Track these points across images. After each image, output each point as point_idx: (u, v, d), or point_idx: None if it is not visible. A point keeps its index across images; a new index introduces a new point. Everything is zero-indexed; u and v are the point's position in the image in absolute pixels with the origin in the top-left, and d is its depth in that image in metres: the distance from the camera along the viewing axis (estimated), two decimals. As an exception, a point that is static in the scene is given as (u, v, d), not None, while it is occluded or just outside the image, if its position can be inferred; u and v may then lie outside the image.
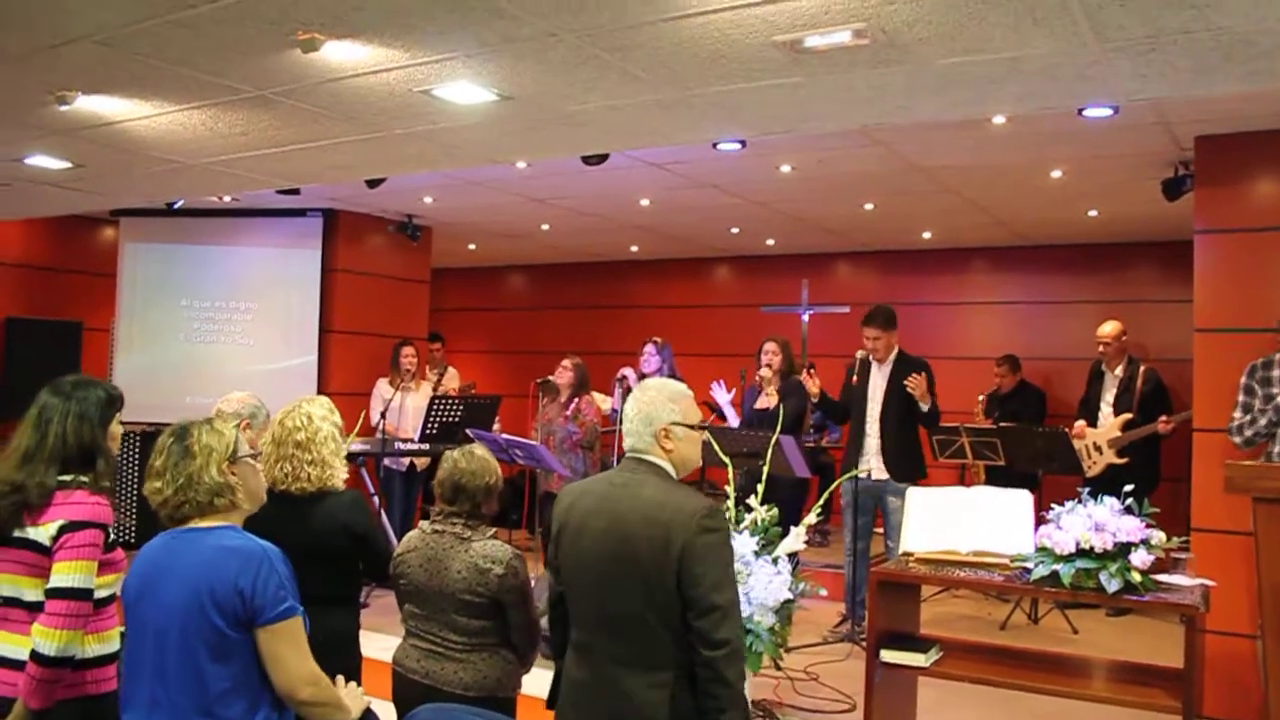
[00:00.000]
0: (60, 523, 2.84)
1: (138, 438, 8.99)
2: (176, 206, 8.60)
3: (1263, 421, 4.91)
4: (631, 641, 2.71)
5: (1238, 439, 5.01)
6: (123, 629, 3.25)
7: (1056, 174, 6.91)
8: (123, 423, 3.24)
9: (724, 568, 2.72)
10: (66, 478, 2.93)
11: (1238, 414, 5.05)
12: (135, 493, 8.89)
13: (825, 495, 4.92)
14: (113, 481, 3.04)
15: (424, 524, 3.54)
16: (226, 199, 8.49)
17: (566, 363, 7.63)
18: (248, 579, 2.48)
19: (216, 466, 2.61)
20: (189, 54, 4.17)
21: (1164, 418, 7.13)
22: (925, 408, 6.39)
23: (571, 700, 2.86)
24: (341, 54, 4.10)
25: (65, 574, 2.80)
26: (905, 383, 6.36)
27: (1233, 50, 3.71)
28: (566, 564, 2.88)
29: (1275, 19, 3.39)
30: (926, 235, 9.73)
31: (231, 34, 3.91)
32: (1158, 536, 3.73)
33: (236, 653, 2.48)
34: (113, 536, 2.97)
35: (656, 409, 2.85)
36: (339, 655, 3.15)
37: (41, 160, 6.21)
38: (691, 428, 2.89)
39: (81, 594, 2.81)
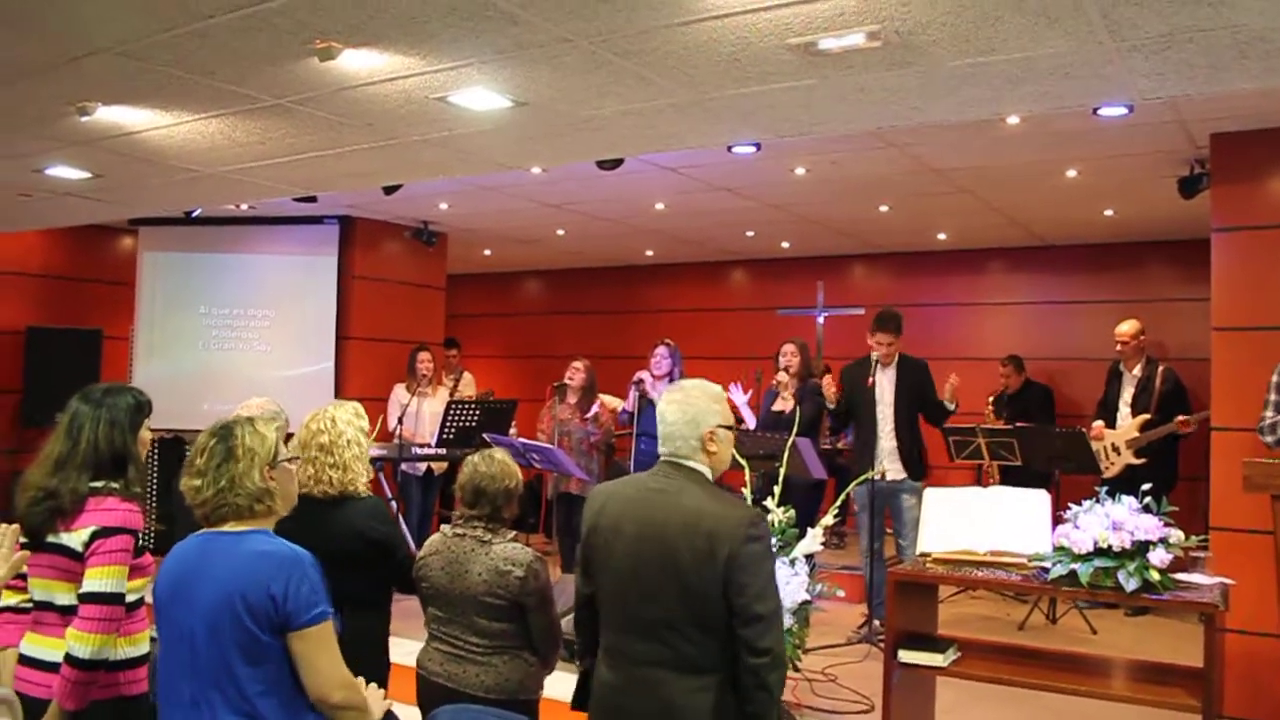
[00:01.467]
0: (93, 528, 2.88)
1: (156, 445, 9.05)
2: (194, 215, 8.66)
3: (1271, 439, 4.83)
4: (671, 646, 2.70)
5: (1269, 438, 4.89)
6: (153, 631, 3.30)
7: (1072, 174, 6.90)
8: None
9: (768, 577, 2.74)
10: (98, 484, 2.96)
11: (1269, 413, 4.91)
12: (155, 498, 8.97)
13: (842, 497, 4.93)
14: (144, 487, 3.08)
15: (445, 527, 3.56)
16: (244, 207, 8.55)
17: (578, 364, 7.68)
18: (280, 584, 2.48)
19: (259, 471, 2.62)
20: (207, 64, 4.21)
21: (1182, 417, 7.10)
22: (953, 408, 6.49)
23: (606, 704, 2.84)
24: (358, 62, 4.13)
25: (98, 579, 2.83)
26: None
27: (1249, 47, 3.70)
28: (599, 568, 2.86)
29: (1290, 16, 3.39)
30: (941, 236, 9.72)
31: (249, 44, 3.95)
32: (1176, 535, 3.72)
33: (269, 656, 2.49)
34: (141, 542, 3.00)
35: (702, 412, 2.83)
36: (363, 658, 3.18)
37: (62, 170, 6.28)
38: (729, 429, 2.89)
39: (114, 598, 2.84)
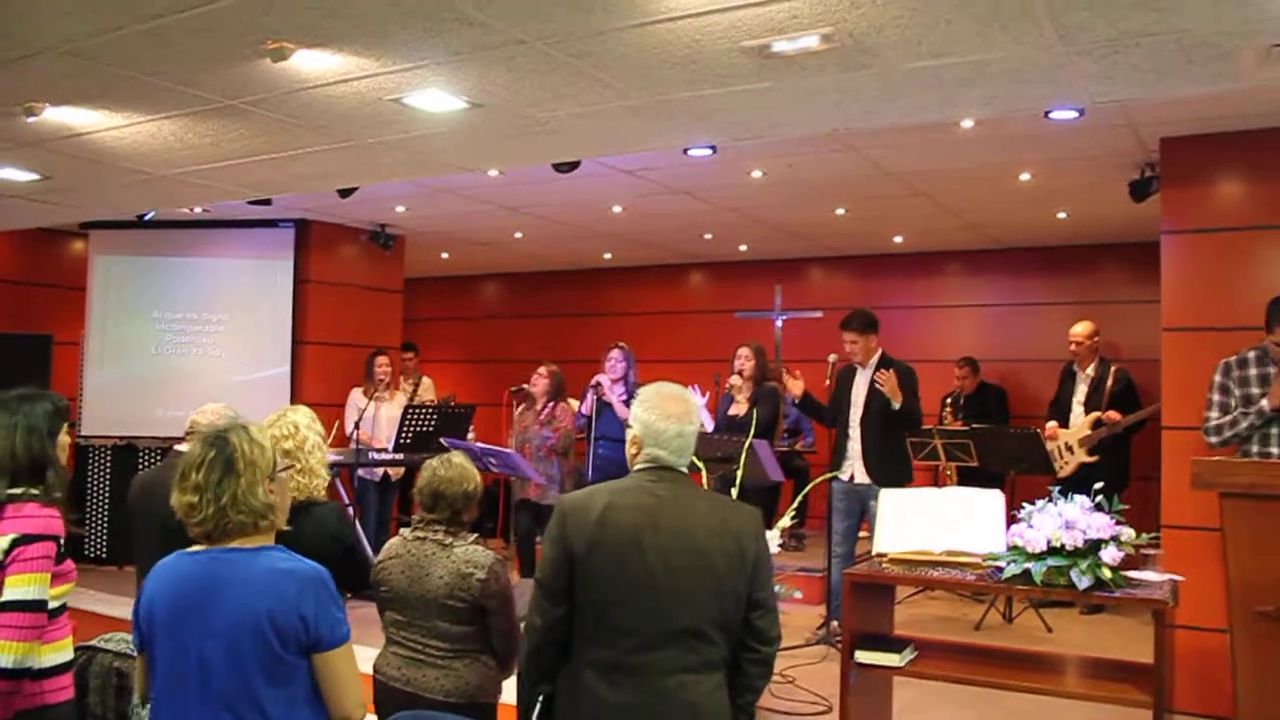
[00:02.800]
0: (12, 536, 2.81)
1: (109, 452, 8.94)
2: (147, 219, 8.55)
3: (1244, 425, 4.90)
4: (695, 650, 2.70)
5: (1214, 439, 5.00)
6: (107, 643, 3.24)
7: (1025, 176, 6.97)
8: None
9: (773, 570, 2.91)
10: (17, 491, 2.89)
11: (1214, 414, 5.03)
12: (107, 507, 8.85)
13: (799, 498, 4.94)
14: (65, 493, 3.02)
15: (405, 531, 3.54)
16: (197, 210, 8.45)
17: (542, 370, 7.66)
18: (309, 605, 2.39)
19: (262, 486, 2.49)
20: (158, 64, 4.16)
21: (1113, 413, 7.24)
22: (896, 406, 6.33)
23: None
24: (312, 63, 4.10)
25: (19, 587, 2.77)
26: (874, 378, 6.33)
27: (1194, 52, 3.76)
28: (605, 581, 2.72)
29: (1233, 22, 3.45)
30: (898, 239, 9.79)
31: (200, 44, 3.91)
32: (1127, 533, 3.77)
33: (294, 676, 2.40)
34: (62, 548, 2.94)
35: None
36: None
37: (9, 173, 6.17)
38: None
39: (36, 606, 2.78)
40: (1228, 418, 4.97)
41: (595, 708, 2.71)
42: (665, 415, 2.83)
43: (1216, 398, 5.02)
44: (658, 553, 2.70)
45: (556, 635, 2.79)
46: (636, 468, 2.86)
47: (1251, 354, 4.96)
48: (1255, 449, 4.90)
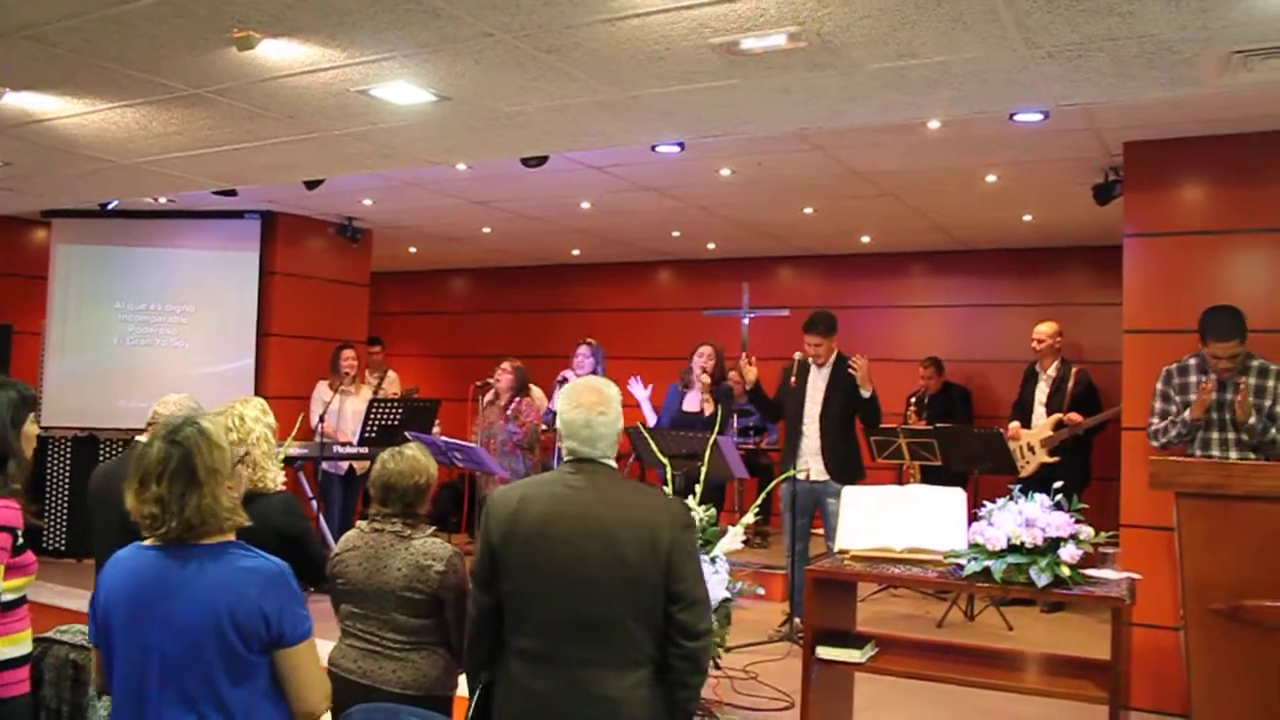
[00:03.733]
0: None
1: (69, 443, 8.83)
2: (110, 207, 8.46)
3: (1173, 433, 5.13)
4: (608, 643, 2.71)
5: (1155, 444, 5.22)
6: (70, 637, 3.20)
7: (991, 178, 7.02)
8: (55, 428, 3.19)
9: (699, 562, 2.83)
10: None
11: (1154, 420, 5.24)
12: (67, 499, 8.74)
13: (763, 495, 4.97)
14: (25, 484, 2.98)
15: (361, 524, 3.52)
16: (162, 200, 8.37)
17: (506, 365, 7.64)
18: (272, 602, 2.38)
19: (224, 493, 2.47)
20: (121, 50, 4.12)
21: (1074, 415, 7.33)
22: (867, 394, 6.38)
23: (533, 712, 2.78)
24: (278, 53, 4.07)
25: None
26: (849, 362, 6.38)
27: (1156, 57, 3.81)
28: (521, 572, 2.80)
29: (1194, 27, 3.49)
30: (865, 239, 9.84)
31: (164, 31, 3.88)
32: (1086, 532, 3.81)
33: (256, 674, 2.40)
34: (21, 540, 2.90)
35: (618, 411, 2.90)
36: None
37: (-32, 159, 6.10)
38: None
39: None
40: (1164, 423, 5.18)
41: (521, 696, 2.79)
42: (574, 406, 2.87)
43: (1158, 405, 5.23)
44: (567, 543, 2.75)
45: (489, 624, 2.88)
46: (563, 462, 2.92)
47: (1191, 361, 5.14)
48: (1198, 452, 5.09)
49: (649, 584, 2.70)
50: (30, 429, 3.05)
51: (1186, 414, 5.04)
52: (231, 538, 2.51)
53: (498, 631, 2.86)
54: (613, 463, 2.88)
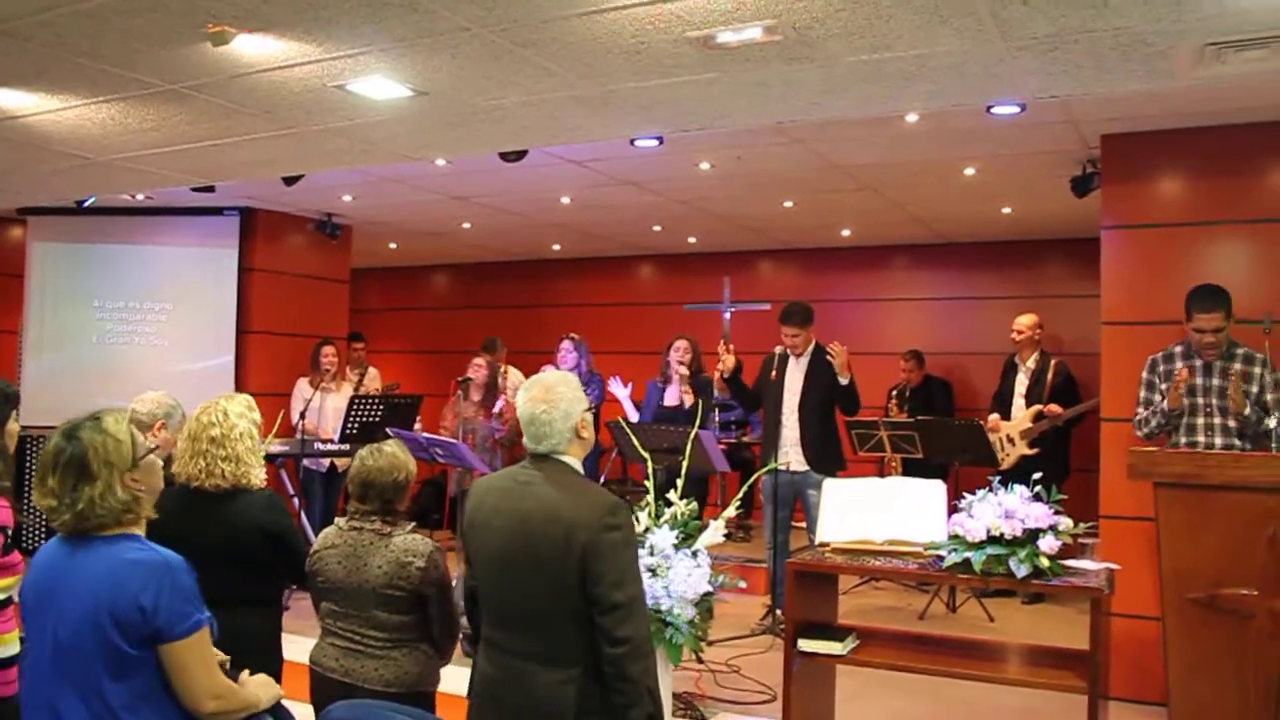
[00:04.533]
0: None
1: (44, 441, 8.77)
2: (87, 205, 8.40)
3: (1154, 423, 5.15)
4: (538, 637, 2.73)
5: (1140, 433, 5.23)
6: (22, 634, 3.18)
7: (970, 171, 7.04)
8: (33, 427, 3.17)
9: (627, 565, 2.74)
10: None
11: (1140, 409, 5.26)
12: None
13: (745, 487, 4.97)
14: (12, 481, 2.97)
15: (340, 521, 3.51)
16: (139, 197, 8.31)
17: (479, 360, 7.65)
18: (150, 595, 2.37)
19: (120, 483, 2.46)
20: (94, 46, 4.08)
21: (1054, 406, 7.36)
22: (845, 381, 6.39)
23: (481, 694, 2.88)
24: (253, 48, 4.05)
25: None
26: (828, 350, 6.40)
27: (1131, 49, 3.82)
28: (475, 561, 2.92)
29: (1169, 20, 3.51)
30: (846, 233, 9.85)
31: (138, 26, 3.84)
32: (1065, 523, 3.83)
33: (138, 669, 2.39)
34: (8, 539, 2.88)
35: (572, 403, 2.87)
36: (257, 656, 3.11)
37: (-59, 156, 6.04)
38: (589, 410, 2.98)
39: None
40: (1145, 413, 5.20)
41: (479, 675, 2.89)
42: (525, 400, 2.89)
43: (1142, 394, 5.25)
44: (502, 537, 2.81)
45: (475, 604, 2.99)
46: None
47: (1177, 349, 5.15)
48: (1183, 439, 5.09)
49: (565, 584, 2.68)
50: (13, 426, 3.05)
51: (1164, 404, 5.06)
52: (136, 531, 2.52)
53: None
54: (568, 458, 2.87)
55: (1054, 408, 7.39)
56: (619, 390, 7.08)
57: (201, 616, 2.46)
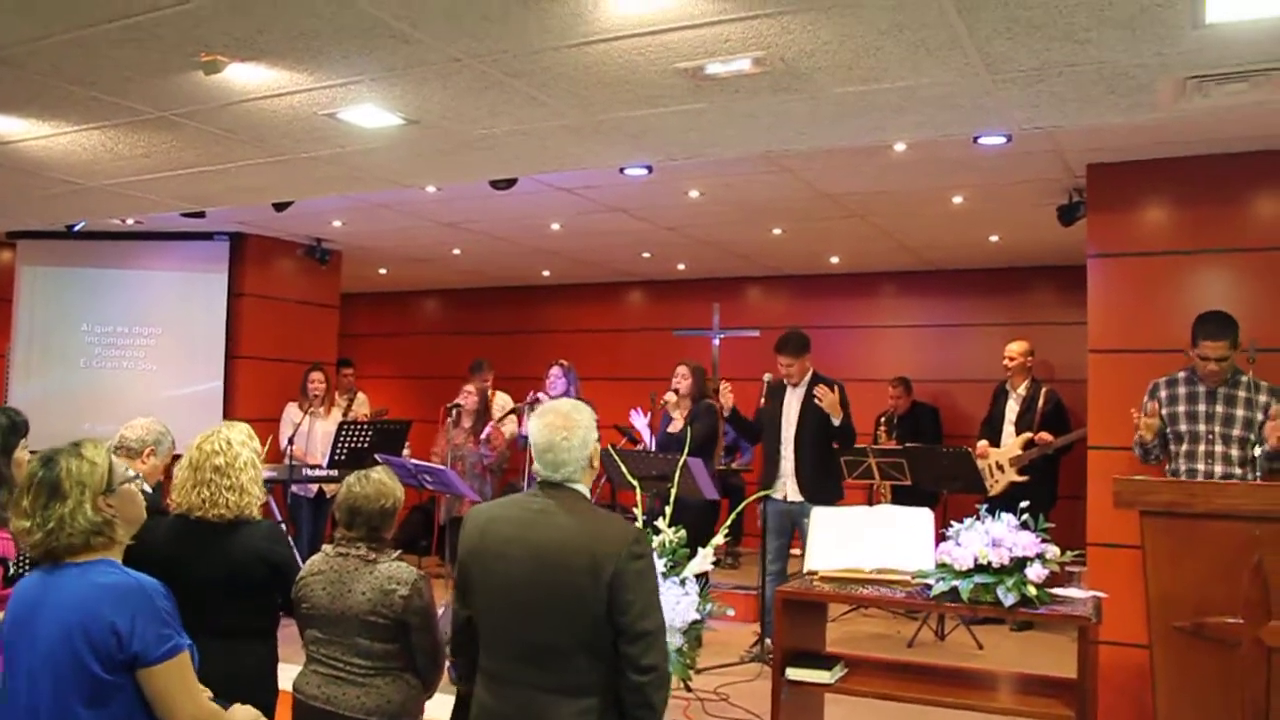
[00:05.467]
0: None
1: (35, 467, 8.73)
2: (77, 229, 8.39)
3: (1138, 453, 5.14)
4: (557, 669, 2.69)
5: (1138, 452, 5.18)
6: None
7: (958, 200, 7.08)
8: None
9: (651, 593, 2.75)
10: None
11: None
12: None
13: (733, 516, 4.97)
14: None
15: (327, 547, 3.49)
16: (129, 221, 8.32)
17: (470, 388, 7.65)
18: (125, 619, 2.33)
19: (91, 504, 2.44)
20: (87, 74, 4.10)
21: (1045, 434, 7.38)
22: (837, 422, 6.40)
23: None
24: (245, 76, 4.07)
25: None
26: (814, 394, 6.38)
27: (1114, 83, 3.87)
28: (481, 591, 2.84)
29: (1150, 54, 3.55)
30: (834, 260, 9.89)
31: (131, 55, 3.86)
32: (1052, 551, 3.84)
33: (114, 696, 2.34)
34: (13, 570, 2.86)
35: (588, 431, 2.87)
36: (254, 690, 3.10)
37: (-69, 181, 6.04)
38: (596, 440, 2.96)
39: None
40: (1135, 438, 5.14)
41: (482, 712, 2.81)
42: (541, 427, 2.86)
43: (1156, 419, 5.15)
44: (520, 567, 2.75)
45: (467, 635, 2.93)
46: (535, 482, 2.93)
47: (1181, 374, 5.06)
48: (1183, 467, 5.00)
49: (591, 614, 2.66)
50: (21, 455, 3.02)
51: (1141, 433, 5.03)
52: (115, 556, 2.50)
53: (475, 644, 2.89)
54: (580, 486, 2.86)
55: (1045, 436, 7.41)
56: (639, 422, 7.12)
57: (181, 641, 2.42)
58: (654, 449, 6.88)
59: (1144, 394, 5.16)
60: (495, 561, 2.79)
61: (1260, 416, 4.81)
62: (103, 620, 2.34)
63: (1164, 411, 5.05)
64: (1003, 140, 5.32)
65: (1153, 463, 5.13)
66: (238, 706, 2.65)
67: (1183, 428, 4.99)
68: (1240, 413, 4.88)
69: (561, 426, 2.83)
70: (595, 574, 2.66)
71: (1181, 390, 5.04)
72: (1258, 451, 4.69)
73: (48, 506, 2.42)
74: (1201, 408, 4.96)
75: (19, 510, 2.44)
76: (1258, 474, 4.56)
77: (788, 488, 6.48)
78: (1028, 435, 7.48)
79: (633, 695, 2.68)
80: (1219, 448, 4.91)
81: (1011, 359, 7.78)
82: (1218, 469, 4.90)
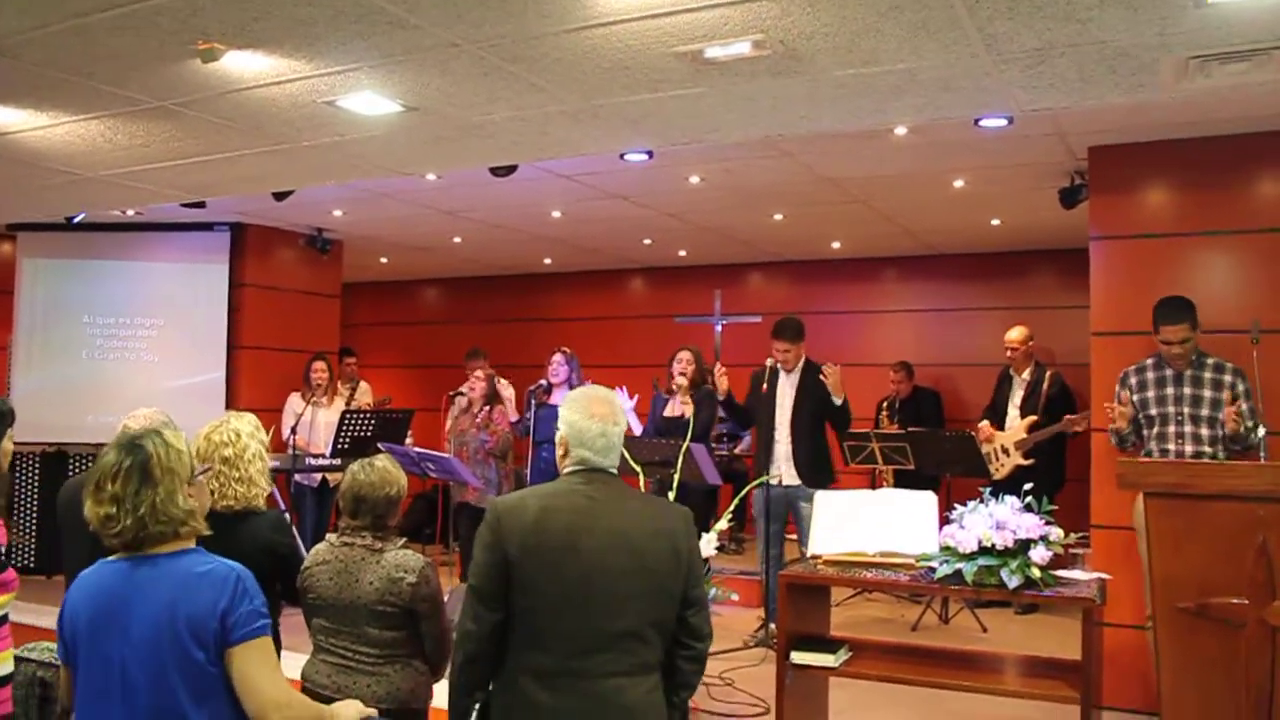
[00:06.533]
0: None
1: (38, 459, 8.75)
2: (77, 220, 8.39)
3: (1114, 442, 5.24)
4: (632, 651, 2.69)
5: (1114, 441, 5.28)
6: (29, 653, 3.16)
7: (959, 183, 7.06)
8: (22, 443, 3.15)
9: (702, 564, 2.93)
10: None
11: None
12: (36, 515, 8.65)
13: (737, 500, 4.98)
14: (7, 500, 2.95)
15: (331, 537, 3.49)
16: (129, 212, 8.30)
17: (479, 373, 7.64)
18: (226, 600, 2.32)
19: (181, 493, 2.41)
20: (84, 63, 4.09)
21: (1070, 416, 7.35)
22: (838, 402, 6.40)
23: None
24: (243, 64, 4.06)
25: None
26: (822, 370, 6.40)
27: (1116, 62, 3.85)
28: (545, 586, 2.69)
29: (1152, 34, 3.54)
30: (836, 245, 9.87)
31: (128, 43, 3.85)
32: (1056, 533, 3.84)
33: (215, 690, 2.32)
34: (3, 557, 2.87)
35: (623, 420, 2.89)
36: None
37: (-70, 173, 6.03)
38: None
39: None
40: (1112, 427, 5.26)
41: (532, 713, 2.66)
42: (590, 415, 2.82)
43: (1130, 407, 5.22)
44: (594, 556, 2.68)
45: (491, 643, 2.72)
46: (566, 470, 2.85)
47: (1149, 360, 5.22)
48: (1155, 448, 5.12)
49: (669, 592, 2.74)
50: (7, 445, 3.02)
51: (1116, 424, 5.16)
52: (191, 545, 2.46)
53: (500, 650, 2.73)
54: (615, 472, 2.87)
55: (1069, 417, 7.40)
56: (624, 402, 7.07)
57: (268, 621, 2.42)
58: (651, 434, 6.85)
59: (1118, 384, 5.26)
60: (565, 554, 2.69)
61: (1227, 395, 4.96)
62: (206, 604, 2.31)
63: (1135, 398, 5.19)
64: (1004, 123, 5.30)
65: (1129, 449, 5.21)
66: (344, 703, 2.62)
67: (1153, 411, 5.13)
68: (1208, 393, 5.02)
69: (613, 415, 2.85)
70: (676, 553, 2.75)
71: (1150, 375, 5.18)
72: (1260, 433, 4.72)
73: (139, 493, 2.36)
74: (1170, 390, 5.10)
75: (101, 497, 2.37)
76: (1264, 455, 4.58)
77: (782, 471, 6.49)
78: (1032, 418, 7.47)
79: (693, 663, 2.82)
80: (1188, 428, 5.04)
81: (1014, 347, 7.77)
82: (1188, 448, 5.04)
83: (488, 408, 7.57)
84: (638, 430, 6.96)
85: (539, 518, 2.71)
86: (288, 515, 7.65)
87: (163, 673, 2.29)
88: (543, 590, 2.67)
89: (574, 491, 2.79)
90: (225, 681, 2.32)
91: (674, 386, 6.90)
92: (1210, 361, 5.06)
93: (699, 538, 4.42)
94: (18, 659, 3.17)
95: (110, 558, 2.44)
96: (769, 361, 6.70)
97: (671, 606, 2.75)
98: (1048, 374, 7.67)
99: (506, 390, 7.85)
